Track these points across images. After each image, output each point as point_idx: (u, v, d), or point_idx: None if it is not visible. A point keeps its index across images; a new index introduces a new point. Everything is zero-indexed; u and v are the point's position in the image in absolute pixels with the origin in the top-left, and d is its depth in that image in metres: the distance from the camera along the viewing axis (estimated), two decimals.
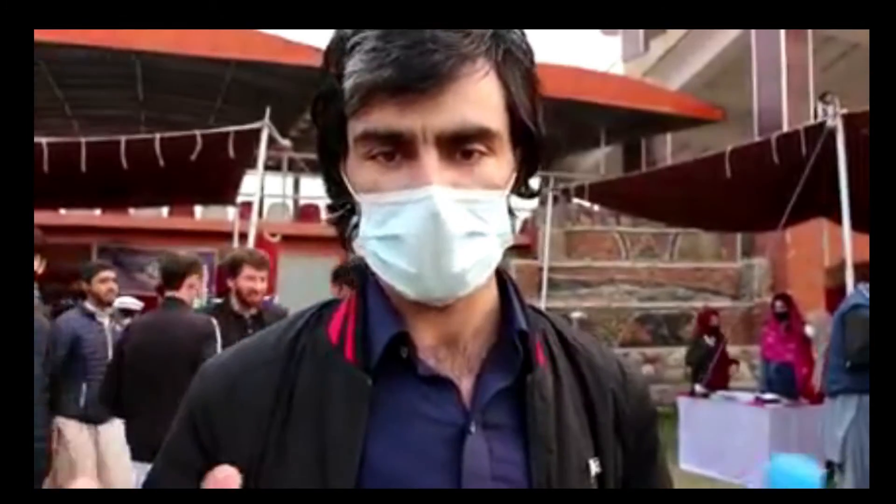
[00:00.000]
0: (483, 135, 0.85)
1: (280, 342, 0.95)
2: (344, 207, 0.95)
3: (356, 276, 0.98)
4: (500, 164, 0.88)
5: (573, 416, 0.95)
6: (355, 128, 0.86)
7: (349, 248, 0.98)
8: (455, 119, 0.83)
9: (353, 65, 0.84)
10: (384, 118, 0.83)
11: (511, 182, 0.91)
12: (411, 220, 0.83)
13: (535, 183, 0.98)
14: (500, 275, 0.98)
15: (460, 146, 0.85)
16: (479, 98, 0.85)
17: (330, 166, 0.94)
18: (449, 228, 0.83)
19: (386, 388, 0.89)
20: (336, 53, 0.88)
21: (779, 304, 9.29)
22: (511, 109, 0.88)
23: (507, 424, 0.91)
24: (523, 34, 0.92)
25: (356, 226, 0.93)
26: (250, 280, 4.45)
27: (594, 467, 0.95)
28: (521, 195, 0.96)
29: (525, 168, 0.94)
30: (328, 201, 1.00)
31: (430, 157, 0.83)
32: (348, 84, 0.84)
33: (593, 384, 0.99)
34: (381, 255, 0.87)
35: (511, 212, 0.92)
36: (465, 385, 0.91)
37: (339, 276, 4.34)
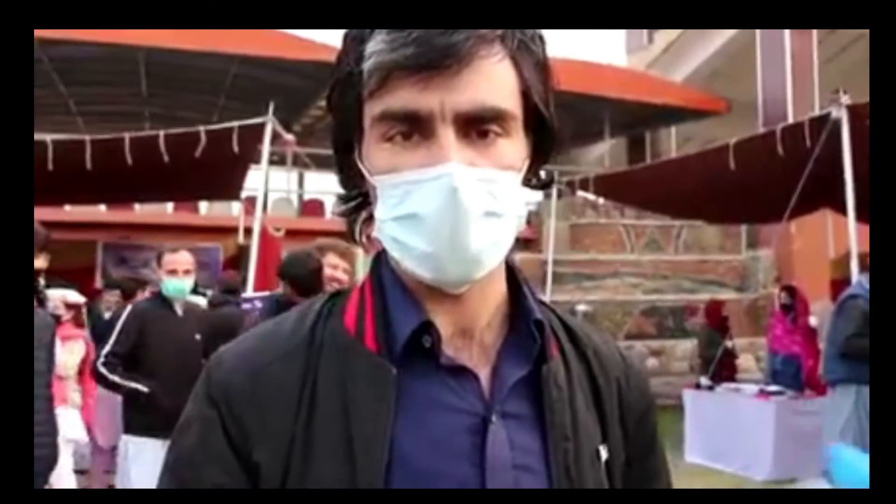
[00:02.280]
0: (500, 116, 0.86)
1: (296, 333, 0.94)
2: (355, 199, 0.96)
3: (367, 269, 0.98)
4: (514, 147, 0.89)
5: (583, 404, 0.96)
6: (373, 109, 0.87)
7: (357, 241, 0.99)
8: (473, 98, 0.84)
9: (374, 46, 0.85)
10: (403, 97, 0.84)
11: (525, 166, 0.92)
12: (429, 197, 0.84)
13: (544, 174, 0.98)
14: (510, 267, 0.99)
15: (477, 126, 0.86)
16: (496, 80, 0.86)
17: (344, 154, 0.94)
18: (467, 205, 0.83)
19: (408, 378, 0.89)
20: (356, 39, 0.88)
21: (783, 295, 9.28)
22: (525, 96, 0.89)
23: (525, 414, 0.92)
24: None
25: (368, 219, 0.94)
26: (332, 268, 4.47)
27: (604, 454, 0.96)
28: (531, 186, 0.96)
29: (536, 157, 0.95)
30: (337, 194, 1.00)
31: (447, 136, 0.84)
32: (368, 64, 0.85)
33: (599, 373, 1.00)
34: (398, 236, 0.87)
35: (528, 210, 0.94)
36: (483, 375, 0.92)
37: (280, 274, 4.33)
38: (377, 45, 0.85)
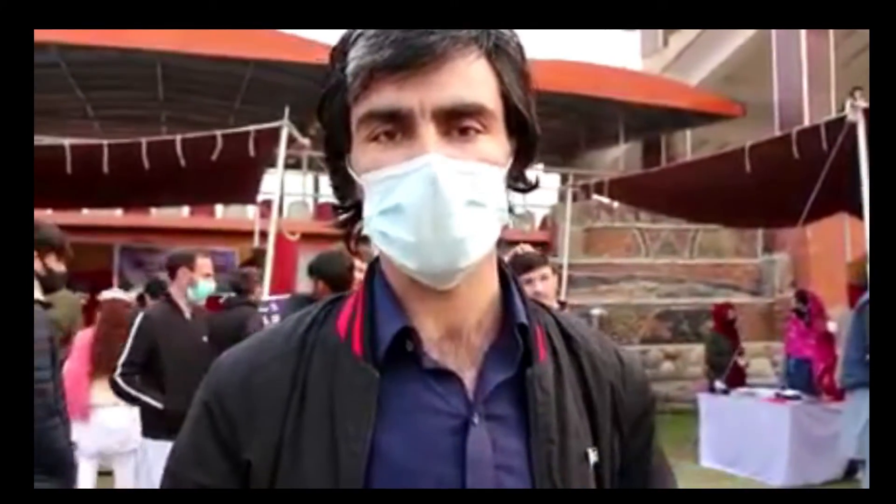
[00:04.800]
0: (478, 111, 0.89)
1: (291, 337, 0.98)
2: (349, 210, 0.99)
3: (368, 270, 1.01)
4: (495, 144, 0.92)
5: (573, 406, 0.98)
6: (358, 112, 0.90)
7: (354, 251, 1.02)
8: (451, 94, 0.88)
9: (355, 52, 0.89)
10: (384, 97, 0.88)
11: (507, 165, 0.95)
12: (411, 188, 0.87)
13: (532, 176, 1.00)
14: (502, 268, 1.02)
15: (457, 123, 0.89)
16: (473, 77, 0.89)
17: (336, 162, 0.98)
18: (447, 194, 0.86)
19: (393, 381, 0.92)
20: (340, 50, 0.93)
21: (795, 301, 9.28)
22: (505, 97, 0.93)
23: (509, 415, 0.94)
24: (513, 32, 0.96)
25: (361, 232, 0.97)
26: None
27: (592, 456, 0.98)
28: (518, 189, 0.99)
29: (519, 158, 0.97)
30: (332, 205, 1.03)
31: (428, 131, 0.87)
32: (350, 69, 0.90)
33: (592, 375, 1.02)
34: (384, 229, 0.90)
35: (511, 208, 0.96)
36: (469, 377, 0.94)
37: (313, 272, 4.37)
38: (357, 51, 0.89)
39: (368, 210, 0.92)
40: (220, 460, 0.93)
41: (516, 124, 0.95)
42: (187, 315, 4.89)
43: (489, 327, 0.98)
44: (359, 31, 0.90)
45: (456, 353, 0.95)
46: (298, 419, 0.92)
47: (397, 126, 0.88)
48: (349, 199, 0.99)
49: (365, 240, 1.00)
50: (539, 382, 0.95)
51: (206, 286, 4.96)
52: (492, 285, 0.99)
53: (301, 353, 0.96)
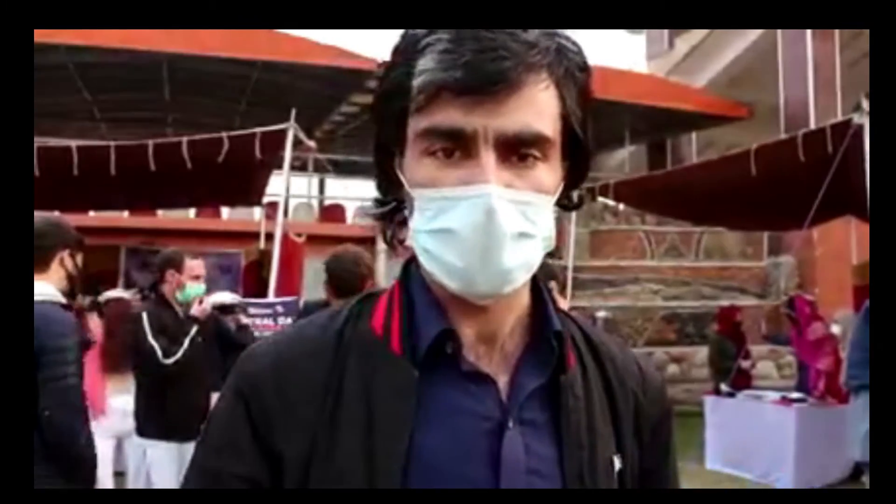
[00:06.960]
0: (540, 141, 0.89)
1: (325, 333, 0.97)
2: (390, 205, 0.99)
3: (401, 272, 1.01)
4: (551, 171, 0.92)
5: (600, 413, 0.99)
6: (418, 123, 0.90)
7: (390, 244, 1.02)
8: (517, 123, 0.87)
9: (425, 63, 0.88)
10: (449, 116, 0.87)
11: (559, 191, 0.95)
12: (466, 215, 0.87)
13: (576, 195, 1.01)
14: (534, 278, 1.01)
15: (517, 150, 0.89)
16: (540, 106, 0.89)
17: (384, 161, 0.98)
18: (502, 226, 0.86)
19: (430, 382, 0.92)
20: (407, 52, 0.92)
21: (785, 307, 9.42)
22: (565, 121, 0.92)
23: (541, 421, 0.95)
24: (581, 51, 0.95)
25: (401, 222, 0.97)
26: None
27: (617, 463, 0.98)
28: (564, 207, 1.00)
29: (570, 180, 0.98)
30: (374, 198, 1.03)
31: (489, 157, 0.87)
32: (418, 81, 0.88)
33: (616, 382, 1.03)
34: (431, 248, 0.91)
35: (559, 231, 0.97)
36: (502, 382, 0.95)
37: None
38: (427, 63, 0.88)
39: (416, 224, 0.92)
40: (254, 447, 0.93)
41: (572, 146, 0.95)
42: (181, 315, 4.93)
43: (521, 334, 0.98)
44: (429, 37, 0.89)
45: (490, 357, 0.96)
46: (334, 413, 0.91)
47: (457, 145, 0.88)
48: (391, 195, 0.99)
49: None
50: (571, 389, 0.96)
51: (195, 289, 4.97)
52: (525, 296, 1.00)
53: (338, 348, 0.95)
